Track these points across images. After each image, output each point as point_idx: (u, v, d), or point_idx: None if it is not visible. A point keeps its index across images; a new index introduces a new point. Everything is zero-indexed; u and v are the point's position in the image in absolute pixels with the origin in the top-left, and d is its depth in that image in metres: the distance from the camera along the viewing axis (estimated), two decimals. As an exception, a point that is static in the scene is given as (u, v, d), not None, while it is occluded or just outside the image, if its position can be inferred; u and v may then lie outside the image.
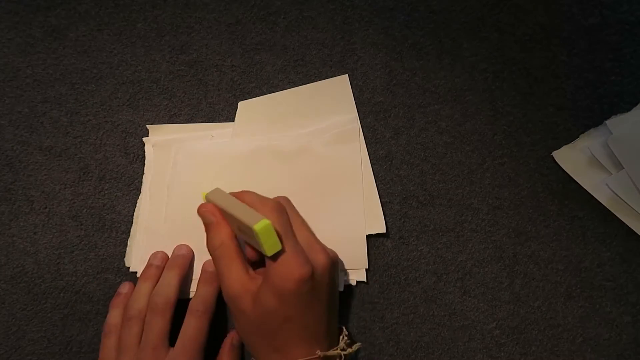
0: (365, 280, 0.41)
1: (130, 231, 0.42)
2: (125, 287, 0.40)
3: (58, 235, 0.42)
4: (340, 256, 0.40)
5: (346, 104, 0.45)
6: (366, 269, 0.41)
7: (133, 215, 0.43)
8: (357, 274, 0.41)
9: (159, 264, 0.40)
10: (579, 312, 0.40)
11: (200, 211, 0.37)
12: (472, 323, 0.41)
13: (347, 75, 0.45)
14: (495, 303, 0.41)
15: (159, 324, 0.36)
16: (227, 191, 0.37)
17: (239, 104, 0.45)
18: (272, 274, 0.33)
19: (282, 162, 0.43)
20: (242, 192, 0.37)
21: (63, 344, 0.40)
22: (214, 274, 0.40)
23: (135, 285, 0.40)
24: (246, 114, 0.45)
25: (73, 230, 0.42)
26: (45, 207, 0.43)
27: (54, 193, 0.43)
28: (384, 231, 0.42)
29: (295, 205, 0.39)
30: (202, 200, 0.38)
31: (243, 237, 0.36)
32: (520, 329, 0.40)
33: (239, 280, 0.35)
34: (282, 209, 0.36)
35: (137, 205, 0.43)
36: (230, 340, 0.40)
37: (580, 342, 0.39)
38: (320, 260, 0.35)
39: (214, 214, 0.36)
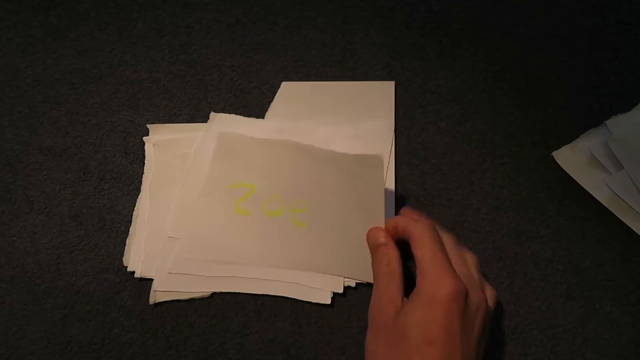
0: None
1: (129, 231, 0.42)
2: None
3: (58, 235, 0.42)
4: (342, 261, 0.40)
5: (385, 110, 0.44)
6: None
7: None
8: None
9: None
10: (578, 312, 0.40)
11: (371, 233, 0.38)
12: (472, 323, 0.41)
13: (394, 82, 0.45)
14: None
15: None
16: (246, 180, 0.39)
17: (282, 84, 0.45)
18: (422, 284, 0.33)
19: (310, 164, 0.41)
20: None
21: (63, 344, 0.40)
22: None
23: None
24: (286, 95, 0.45)
25: (73, 230, 0.42)
26: (45, 207, 0.43)
27: (54, 193, 0.43)
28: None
29: (309, 206, 0.40)
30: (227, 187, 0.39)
31: None
32: (520, 329, 0.40)
33: (392, 293, 0.34)
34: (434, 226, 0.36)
35: (136, 204, 0.43)
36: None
37: (580, 342, 0.39)
38: (477, 295, 0.34)
39: (384, 235, 0.37)
